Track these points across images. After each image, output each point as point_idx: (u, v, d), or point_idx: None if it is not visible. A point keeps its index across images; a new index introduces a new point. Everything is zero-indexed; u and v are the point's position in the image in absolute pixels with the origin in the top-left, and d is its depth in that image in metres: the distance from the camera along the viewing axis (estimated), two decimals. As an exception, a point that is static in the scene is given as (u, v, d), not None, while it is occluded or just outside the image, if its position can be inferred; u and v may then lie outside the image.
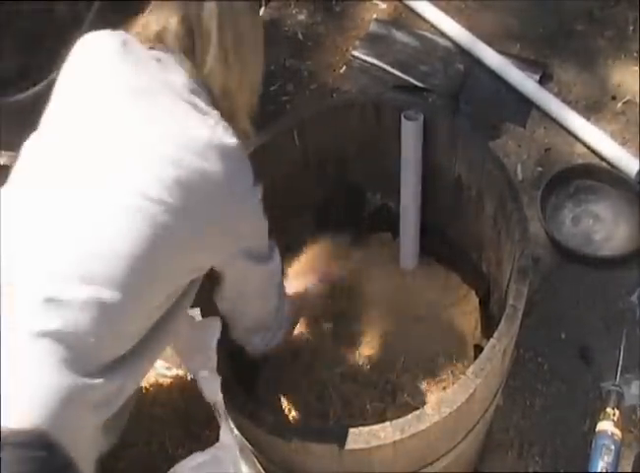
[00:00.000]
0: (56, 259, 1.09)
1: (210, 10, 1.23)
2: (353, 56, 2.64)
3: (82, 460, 1.10)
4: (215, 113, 1.22)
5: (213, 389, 1.33)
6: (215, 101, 1.27)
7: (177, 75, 1.22)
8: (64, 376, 1.05)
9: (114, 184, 1.13)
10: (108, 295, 1.09)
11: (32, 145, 1.22)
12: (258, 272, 1.35)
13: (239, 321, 1.44)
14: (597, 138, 2.35)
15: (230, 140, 1.19)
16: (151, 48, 1.24)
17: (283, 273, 1.46)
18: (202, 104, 1.21)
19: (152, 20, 1.26)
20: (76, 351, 1.07)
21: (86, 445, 1.12)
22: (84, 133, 1.17)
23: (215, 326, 1.37)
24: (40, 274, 1.09)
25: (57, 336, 1.05)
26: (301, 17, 2.75)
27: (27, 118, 1.91)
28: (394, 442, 1.28)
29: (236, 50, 1.26)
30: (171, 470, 1.33)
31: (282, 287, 1.47)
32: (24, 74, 2.06)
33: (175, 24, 1.24)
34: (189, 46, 1.25)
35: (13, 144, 2.10)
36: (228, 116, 1.26)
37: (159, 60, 1.22)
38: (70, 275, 1.08)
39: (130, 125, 1.16)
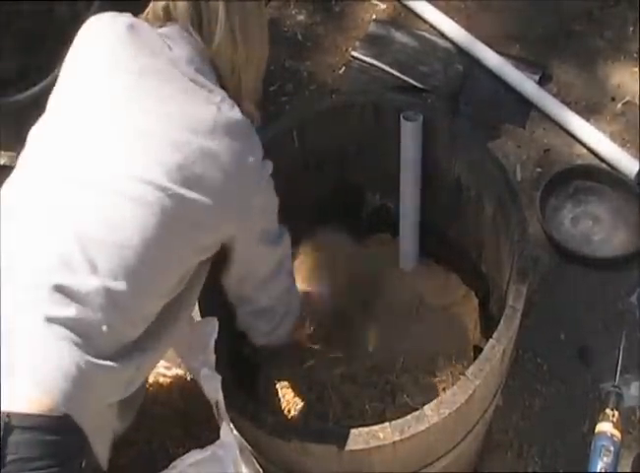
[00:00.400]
0: (63, 247, 1.09)
1: None
2: (353, 57, 2.64)
3: (96, 443, 1.10)
4: (220, 91, 1.22)
5: (213, 388, 1.33)
6: (221, 81, 1.27)
7: (184, 52, 1.22)
8: (79, 360, 1.05)
9: (118, 171, 1.13)
10: (117, 284, 1.09)
11: (36, 132, 1.22)
12: (268, 253, 1.35)
13: (247, 303, 1.42)
14: (596, 139, 2.35)
15: (237, 116, 1.20)
16: (160, 26, 1.25)
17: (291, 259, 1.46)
18: (207, 83, 1.21)
19: None
20: (88, 337, 1.07)
21: (100, 429, 1.12)
22: (87, 119, 1.17)
23: (212, 326, 1.37)
24: (49, 261, 1.08)
25: (69, 323, 1.05)
26: (301, 17, 2.75)
27: (27, 118, 1.91)
28: (393, 443, 1.28)
29: (243, 27, 1.27)
30: (170, 465, 1.33)
31: (292, 273, 1.47)
32: (24, 74, 2.06)
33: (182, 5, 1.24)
34: (197, 21, 1.25)
35: (13, 144, 2.11)
36: (235, 97, 1.26)
37: (166, 38, 1.23)
38: (78, 264, 1.08)
39: (134, 109, 1.16)
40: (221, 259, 1.32)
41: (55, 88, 1.24)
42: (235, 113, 1.20)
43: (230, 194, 1.19)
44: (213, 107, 1.17)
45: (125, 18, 1.25)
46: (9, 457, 0.98)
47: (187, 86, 1.19)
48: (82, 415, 1.05)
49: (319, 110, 1.72)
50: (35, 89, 1.86)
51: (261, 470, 1.53)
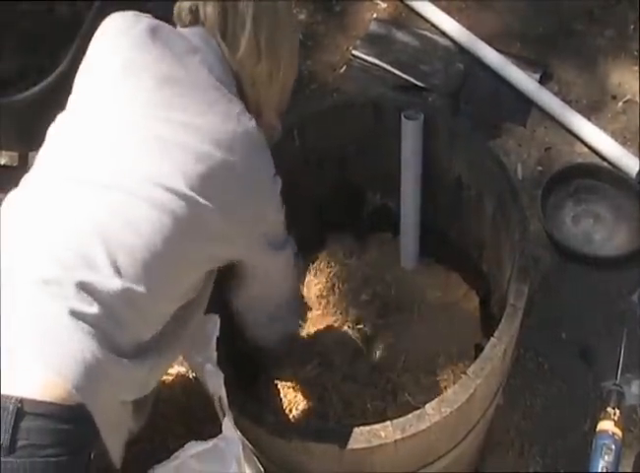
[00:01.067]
0: (87, 247, 1.10)
1: None
2: (354, 56, 2.64)
3: (109, 439, 1.11)
4: (239, 102, 1.22)
5: (216, 384, 1.33)
6: (242, 91, 1.28)
7: (207, 58, 1.22)
8: (97, 353, 1.06)
9: (141, 176, 1.13)
10: (139, 287, 1.11)
11: (55, 131, 1.22)
12: (279, 257, 1.39)
13: (260, 311, 1.48)
14: (597, 137, 2.35)
15: (253, 130, 1.20)
16: (185, 26, 1.26)
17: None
18: (227, 93, 1.21)
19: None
20: (107, 334, 1.08)
21: (114, 425, 1.13)
22: (108, 123, 1.17)
23: (214, 322, 1.37)
24: (73, 260, 1.09)
25: (91, 320, 1.06)
26: (301, 16, 2.75)
27: (26, 119, 1.91)
28: (395, 442, 1.28)
29: (269, 40, 1.27)
30: (172, 456, 1.33)
31: (296, 275, 1.52)
32: (24, 74, 2.06)
33: (210, 3, 1.24)
34: (222, 27, 1.25)
35: (13, 144, 2.11)
36: (255, 108, 1.27)
37: (189, 42, 1.22)
38: (102, 265, 1.09)
39: (153, 115, 1.16)
40: (226, 274, 1.35)
41: (75, 87, 1.24)
42: (252, 127, 1.21)
43: (246, 208, 1.22)
44: (233, 120, 1.18)
45: (147, 19, 1.24)
46: (19, 442, 0.98)
47: (209, 95, 1.19)
48: (95, 407, 1.05)
49: (320, 110, 1.72)
50: (35, 89, 1.86)
51: (262, 469, 1.53)
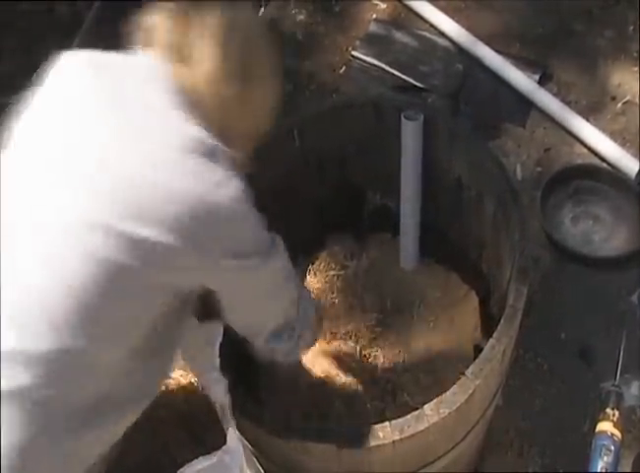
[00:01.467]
0: (13, 306, 1.02)
1: (210, 14, 1.11)
2: (353, 56, 2.64)
3: None
4: (192, 124, 1.09)
5: (220, 392, 1.32)
6: (204, 115, 1.11)
7: (157, 85, 1.10)
8: (37, 438, 1.00)
9: (67, 214, 1.03)
10: (75, 343, 1.02)
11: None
12: (262, 271, 1.16)
13: (260, 329, 1.27)
14: (596, 138, 2.35)
15: (200, 145, 1.06)
16: (139, 51, 1.14)
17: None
18: (176, 115, 1.09)
19: (146, 20, 1.15)
20: (46, 405, 1.01)
21: None
22: (40, 156, 1.08)
23: (217, 329, 1.35)
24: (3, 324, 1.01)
25: (24, 392, 1.00)
26: (301, 17, 2.75)
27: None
28: (393, 442, 1.28)
29: (238, 59, 1.13)
30: (178, 472, 1.32)
31: (293, 277, 1.27)
32: (24, 74, 2.05)
33: (165, 24, 1.12)
34: (181, 51, 1.11)
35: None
36: (219, 132, 1.12)
37: (136, 70, 1.12)
38: (34, 323, 1.01)
39: (91, 144, 1.06)
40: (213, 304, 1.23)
41: (16, 123, 1.16)
42: (202, 148, 1.07)
43: (199, 228, 1.05)
44: (178, 137, 1.06)
45: (88, 55, 1.17)
46: None
47: (151, 117, 1.07)
48: None
49: (320, 110, 1.72)
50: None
51: (262, 470, 1.53)
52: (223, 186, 1.06)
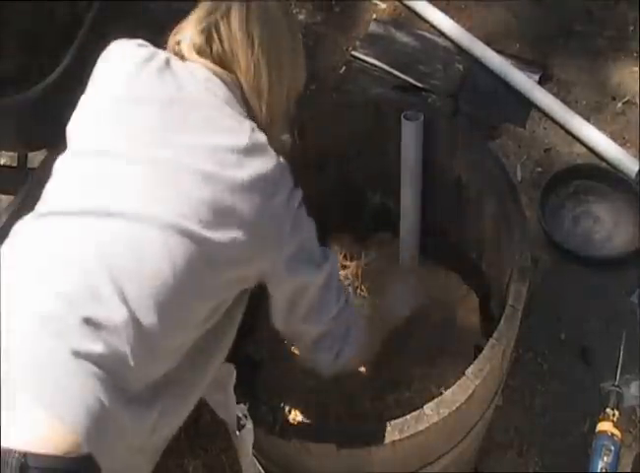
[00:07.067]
0: (90, 278, 1.04)
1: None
2: (353, 56, 2.64)
3: None
4: (245, 120, 1.18)
5: (248, 441, 1.32)
6: (250, 108, 1.23)
7: (209, 86, 1.18)
8: (106, 399, 1.00)
9: (145, 203, 1.08)
10: (147, 316, 1.05)
11: (61, 165, 1.17)
12: (309, 277, 1.24)
13: (302, 336, 1.34)
14: (596, 138, 2.35)
15: (264, 144, 1.16)
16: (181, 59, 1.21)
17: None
18: (234, 112, 1.18)
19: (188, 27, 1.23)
20: (115, 373, 1.02)
21: (125, 471, 1.08)
22: (109, 153, 1.13)
23: (230, 372, 1.33)
24: (77, 292, 1.03)
25: (97, 359, 1.00)
26: (301, 17, 2.75)
27: (26, 119, 1.91)
28: (393, 443, 1.28)
29: (269, 49, 1.22)
30: None
31: (341, 289, 1.33)
32: (24, 74, 2.05)
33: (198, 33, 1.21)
34: (216, 53, 1.21)
35: (12, 144, 2.10)
36: (265, 121, 1.23)
37: (191, 71, 1.19)
38: (107, 296, 1.03)
39: (155, 141, 1.12)
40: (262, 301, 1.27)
41: (77, 117, 1.20)
42: (263, 142, 1.16)
43: (262, 226, 1.14)
44: (241, 137, 1.14)
45: (145, 47, 1.21)
46: None
47: (214, 115, 1.15)
48: (103, 456, 0.99)
49: (320, 110, 1.72)
50: (35, 89, 1.85)
51: (261, 470, 1.53)
52: (287, 186, 1.18)
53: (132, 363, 1.03)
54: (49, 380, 0.98)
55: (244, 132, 1.15)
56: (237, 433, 1.32)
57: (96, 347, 1.01)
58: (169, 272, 1.06)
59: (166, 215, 1.07)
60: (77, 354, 0.99)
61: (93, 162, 1.14)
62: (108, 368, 1.01)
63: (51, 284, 1.04)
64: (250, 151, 1.13)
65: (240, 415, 1.32)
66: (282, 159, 1.19)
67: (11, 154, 2.37)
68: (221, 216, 1.10)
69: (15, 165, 2.21)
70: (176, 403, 1.15)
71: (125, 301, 1.04)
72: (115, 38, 1.25)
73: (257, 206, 1.12)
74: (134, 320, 1.04)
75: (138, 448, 1.10)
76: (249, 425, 1.31)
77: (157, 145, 1.12)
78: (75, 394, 0.98)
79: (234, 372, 1.33)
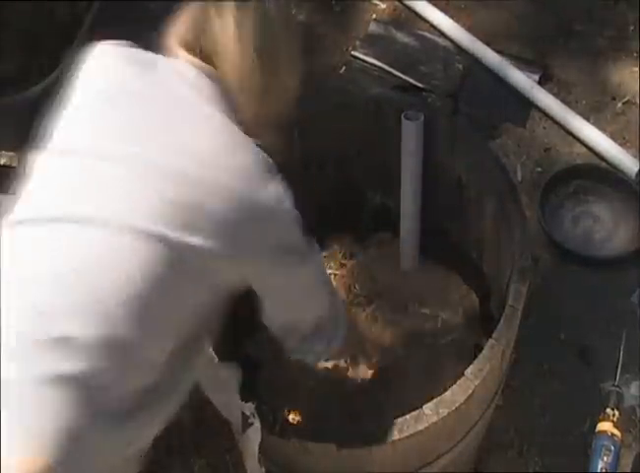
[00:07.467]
0: (62, 293, 1.00)
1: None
2: (353, 56, 2.64)
3: None
4: (230, 118, 1.13)
5: (254, 441, 1.32)
6: (238, 106, 1.18)
7: (193, 82, 1.13)
8: (81, 421, 0.98)
9: (116, 207, 1.03)
10: (122, 328, 1.01)
11: (38, 163, 1.14)
12: (304, 269, 1.22)
13: (293, 330, 1.31)
14: (596, 138, 2.35)
15: (246, 143, 1.11)
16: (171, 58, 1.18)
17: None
18: (216, 110, 1.13)
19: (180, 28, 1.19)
20: (89, 392, 0.99)
21: None
22: (87, 154, 1.09)
23: (235, 373, 1.33)
24: (51, 310, 1.00)
25: (71, 379, 0.97)
26: (301, 17, 2.75)
27: (26, 119, 1.91)
28: (392, 442, 1.28)
29: (262, 47, 1.19)
30: None
31: (330, 284, 1.37)
32: (24, 74, 2.06)
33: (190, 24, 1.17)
34: (204, 45, 1.16)
35: (12, 144, 2.11)
36: (254, 121, 1.19)
37: (173, 67, 1.15)
38: (81, 311, 1.00)
39: (133, 139, 1.07)
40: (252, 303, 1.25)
41: (54, 115, 1.15)
42: (243, 142, 1.12)
43: (240, 226, 1.08)
44: (223, 137, 1.10)
45: (129, 47, 1.18)
46: None
47: (193, 113, 1.11)
48: None
49: (320, 110, 1.72)
50: (35, 89, 1.86)
51: (262, 470, 1.53)
52: (269, 184, 1.11)
53: (107, 379, 1.01)
54: (18, 403, 0.96)
55: (226, 132, 1.11)
56: (243, 432, 1.32)
57: (68, 365, 0.98)
58: (142, 279, 1.01)
59: (138, 219, 1.02)
60: (48, 374, 0.97)
61: (67, 162, 1.10)
62: (81, 386, 0.98)
63: (25, 297, 1.01)
64: (231, 151, 1.09)
65: (248, 413, 1.32)
66: (263, 157, 1.13)
67: (10, 154, 2.37)
68: (196, 218, 1.04)
69: (14, 165, 2.21)
70: (152, 416, 1.12)
71: (101, 316, 1.00)
72: (115, 39, 1.24)
73: (235, 206, 1.07)
74: (109, 334, 1.00)
75: (112, 464, 1.08)
76: (257, 423, 1.31)
77: (130, 144, 1.07)
78: (46, 416, 0.96)
79: (239, 373, 1.33)
